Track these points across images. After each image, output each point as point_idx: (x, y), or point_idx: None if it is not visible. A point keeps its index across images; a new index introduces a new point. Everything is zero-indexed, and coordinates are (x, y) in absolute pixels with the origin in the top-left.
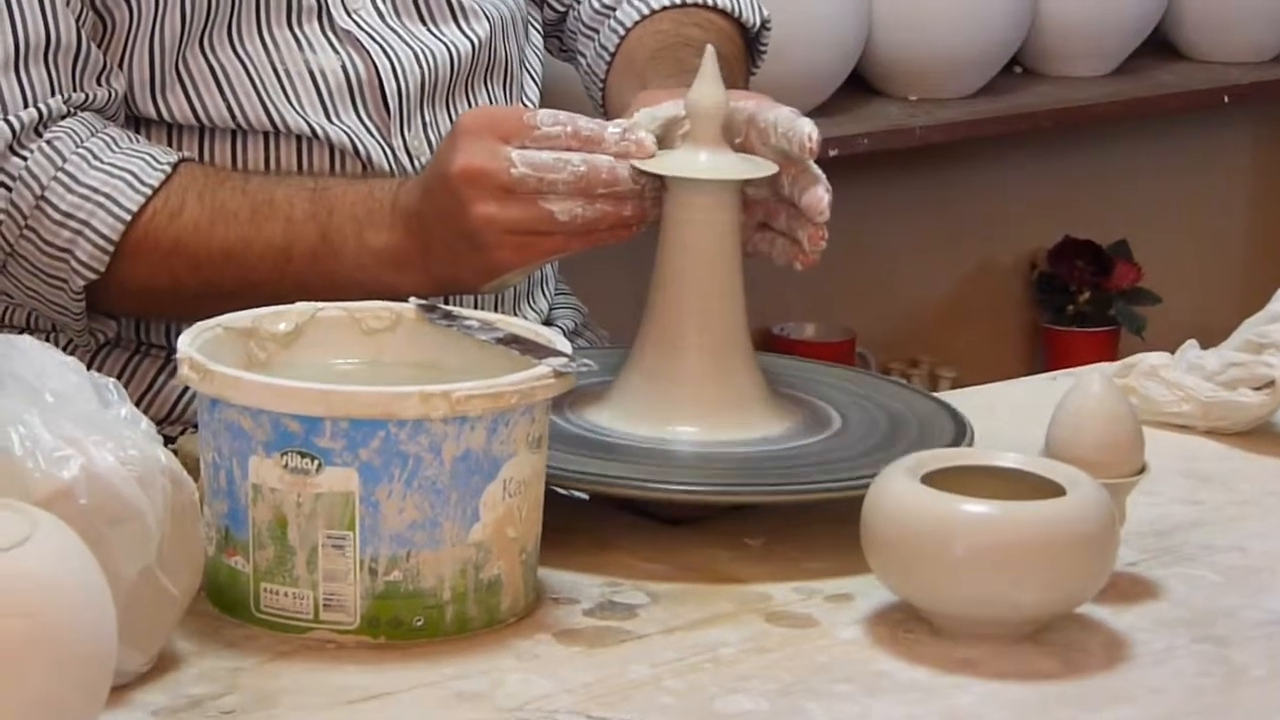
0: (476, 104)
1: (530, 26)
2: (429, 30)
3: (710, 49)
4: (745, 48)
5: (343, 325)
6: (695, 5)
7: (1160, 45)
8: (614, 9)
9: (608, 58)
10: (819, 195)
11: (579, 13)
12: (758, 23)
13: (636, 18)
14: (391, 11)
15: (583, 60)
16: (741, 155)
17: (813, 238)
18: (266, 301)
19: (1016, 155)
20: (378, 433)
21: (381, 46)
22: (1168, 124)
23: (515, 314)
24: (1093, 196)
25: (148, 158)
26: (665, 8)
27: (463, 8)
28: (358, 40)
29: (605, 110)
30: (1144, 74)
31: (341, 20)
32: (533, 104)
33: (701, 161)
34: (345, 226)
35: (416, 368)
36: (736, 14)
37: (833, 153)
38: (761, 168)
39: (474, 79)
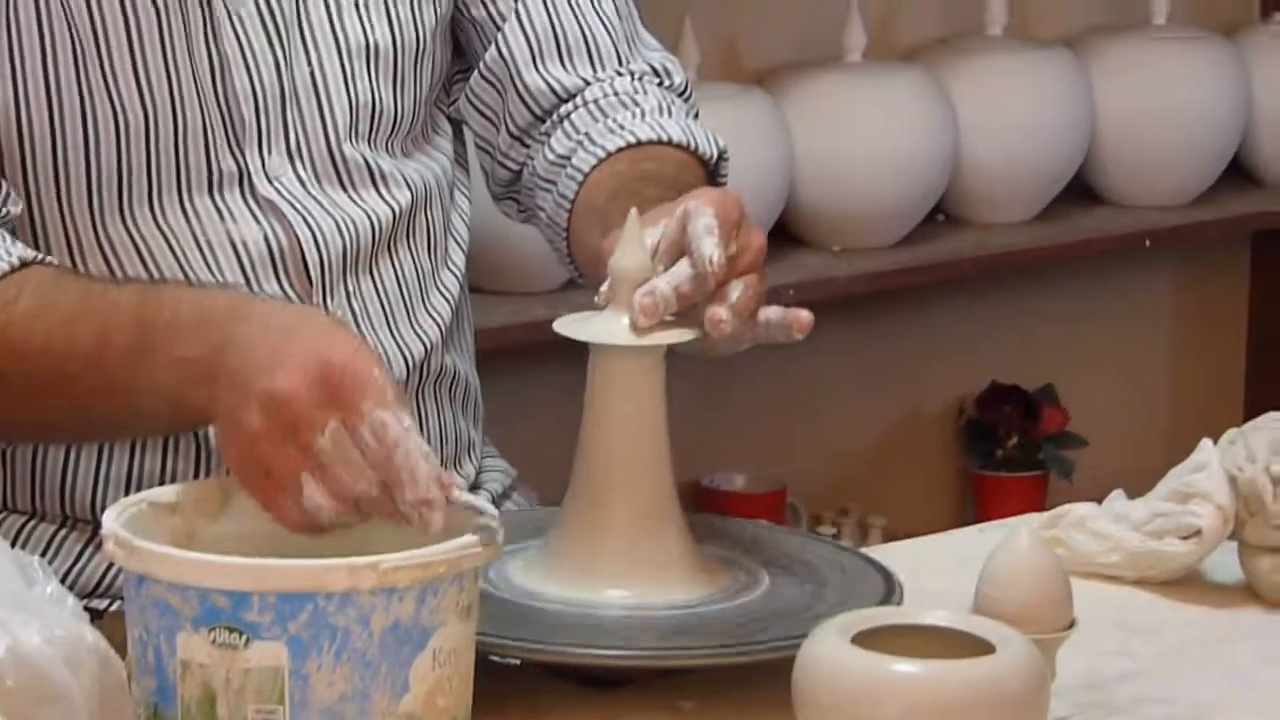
0: (401, 268)
1: (458, 191)
2: (350, 198)
3: (633, 212)
4: (706, 177)
5: None
6: (651, 143)
7: (1081, 190)
8: (569, 158)
9: (568, 206)
10: (719, 316)
11: (534, 167)
12: (714, 154)
13: (593, 162)
14: (312, 179)
15: (543, 214)
16: (664, 321)
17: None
18: (88, 400)
19: (942, 302)
20: (306, 606)
21: (303, 215)
22: (1091, 268)
23: None
24: (1018, 341)
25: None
26: (621, 149)
27: (383, 175)
28: (278, 209)
29: (573, 261)
30: (1066, 219)
31: (263, 189)
32: (458, 269)
33: (624, 327)
34: (163, 333)
35: (344, 528)
36: (693, 147)
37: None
38: (685, 332)
39: (395, 243)
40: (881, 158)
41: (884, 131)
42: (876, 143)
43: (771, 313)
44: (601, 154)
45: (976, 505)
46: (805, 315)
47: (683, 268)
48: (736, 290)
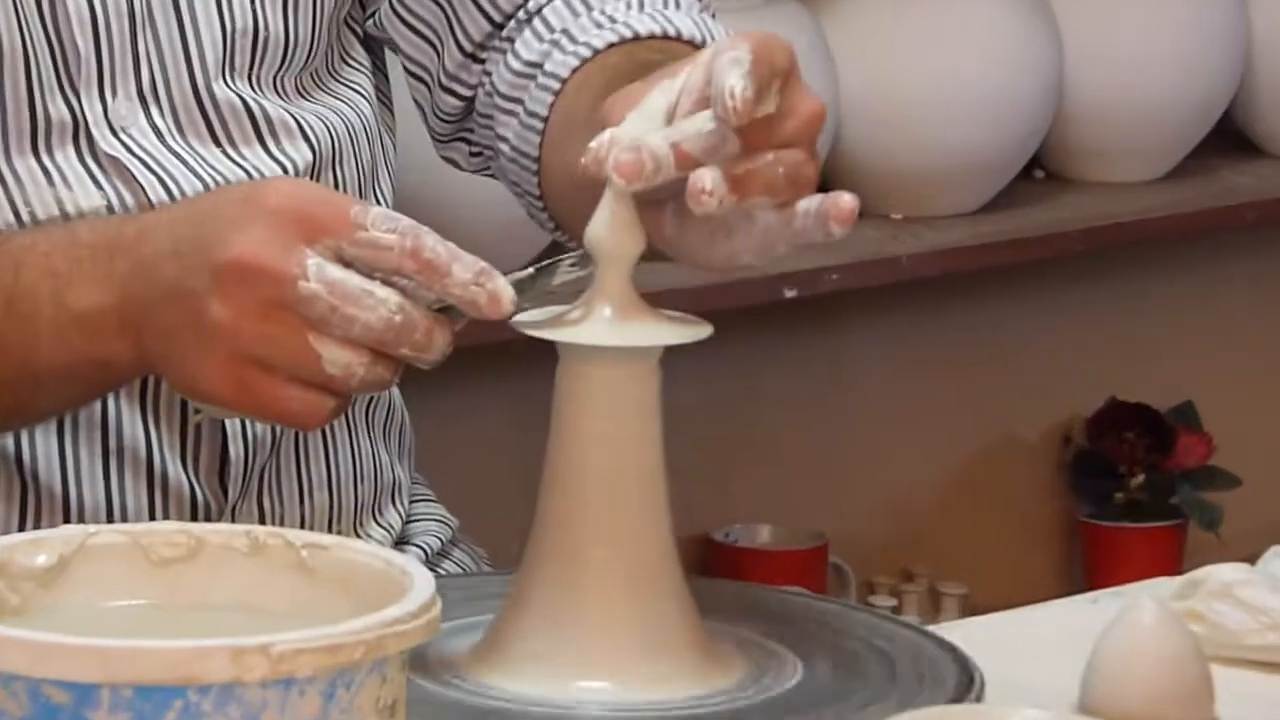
0: None
1: (382, 143)
2: (225, 155)
3: (618, 181)
4: None
5: (122, 555)
6: (654, 38)
7: (1230, 139)
8: (540, 64)
9: (539, 126)
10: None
11: (492, 85)
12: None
13: (574, 64)
14: (172, 130)
15: (504, 147)
16: (661, 313)
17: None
18: None
19: (1040, 291)
20: (174, 702)
21: (160, 178)
22: (1245, 243)
23: (354, 533)
24: (1145, 343)
25: None
26: (613, 44)
27: (271, 123)
28: (126, 170)
29: (546, 208)
30: (1209, 177)
31: (105, 143)
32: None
33: (606, 321)
34: (40, 285)
35: (226, 611)
36: (704, 43)
37: (790, 293)
38: (690, 330)
39: None
40: (957, 95)
41: (960, 60)
42: (950, 75)
43: (810, 203)
44: (586, 53)
45: (1086, 566)
46: (846, 200)
47: (695, 120)
48: (758, 161)
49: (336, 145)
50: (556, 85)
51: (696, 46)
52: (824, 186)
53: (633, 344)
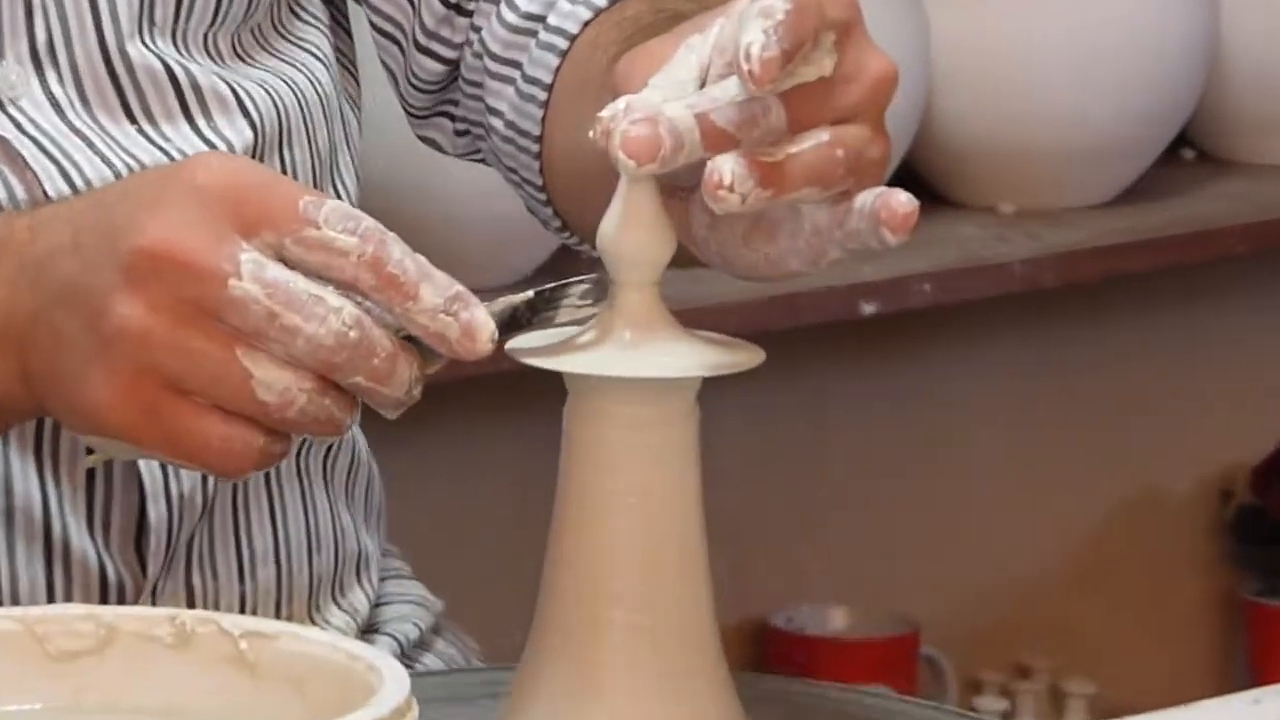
0: None
1: (344, 120)
2: (143, 134)
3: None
4: None
5: (13, 647)
6: None
7: None
8: (544, 17)
9: (543, 94)
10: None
11: (482, 44)
12: None
13: (586, 15)
14: (74, 102)
15: (498, 122)
16: (698, 335)
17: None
18: None
19: (1191, 305)
20: None
21: (58, 162)
22: None
23: (309, 619)
24: None
25: None
26: None
27: (199, 96)
28: (16, 153)
29: (549, 201)
30: None
31: None
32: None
33: (627, 346)
34: None
35: (145, 717)
36: None
37: (869, 308)
38: (735, 355)
39: None
40: (1083, 54)
41: (1088, 10)
42: (1074, 29)
43: (867, 198)
44: (600, 2)
45: (1249, 656)
46: (901, 202)
47: (728, 85)
48: (805, 143)
49: (284, 122)
50: (563, 43)
51: None
52: (908, 174)
53: (662, 375)
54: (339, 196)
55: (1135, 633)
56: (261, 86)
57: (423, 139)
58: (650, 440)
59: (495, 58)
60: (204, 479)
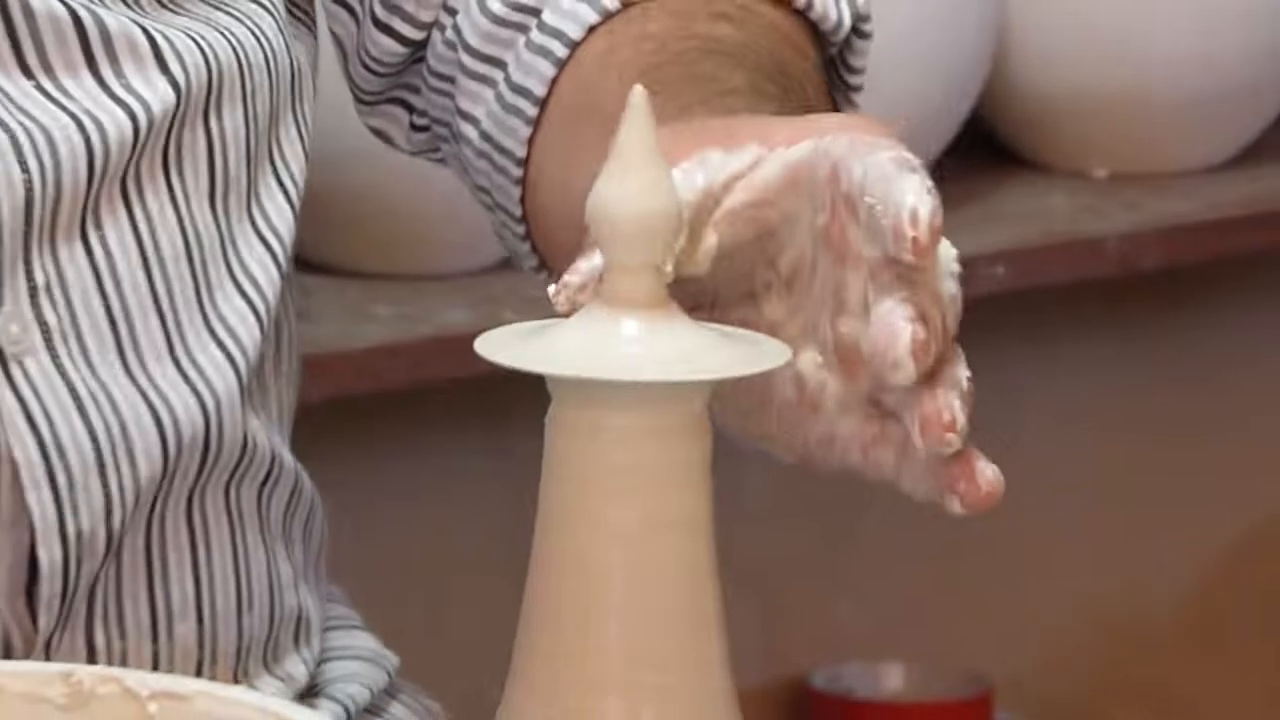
0: (153, 239)
1: (302, 75)
2: (41, 90)
3: (637, 90)
4: (825, 60)
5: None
6: None
7: None
8: (538, 9)
9: (530, 111)
10: (939, 407)
11: (457, 33)
12: (843, 21)
13: (594, 18)
14: None
15: (471, 131)
16: (710, 327)
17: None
18: None
19: None
20: None
21: None
22: None
23: (244, 680)
24: None
25: None
26: None
27: (109, 44)
28: None
29: (529, 236)
30: None
31: None
32: (278, 242)
33: (626, 342)
34: None
35: None
36: (803, 3)
37: None
38: (760, 352)
39: (140, 186)
40: None
41: None
42: None
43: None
44: (612, 4)
45: None
46: (989, 478)
47: None
48: (958, 368)
49: (216, 81)
50: (562, 50)
51: (805, 18)
52: (977, 132)
53: (669, 378)
54: (276, 172)
55: (1256, 698)
56: (190, 37)
57: (371, 129)
58: (654, 458)
59: (473, 52)
60: (108, 513)
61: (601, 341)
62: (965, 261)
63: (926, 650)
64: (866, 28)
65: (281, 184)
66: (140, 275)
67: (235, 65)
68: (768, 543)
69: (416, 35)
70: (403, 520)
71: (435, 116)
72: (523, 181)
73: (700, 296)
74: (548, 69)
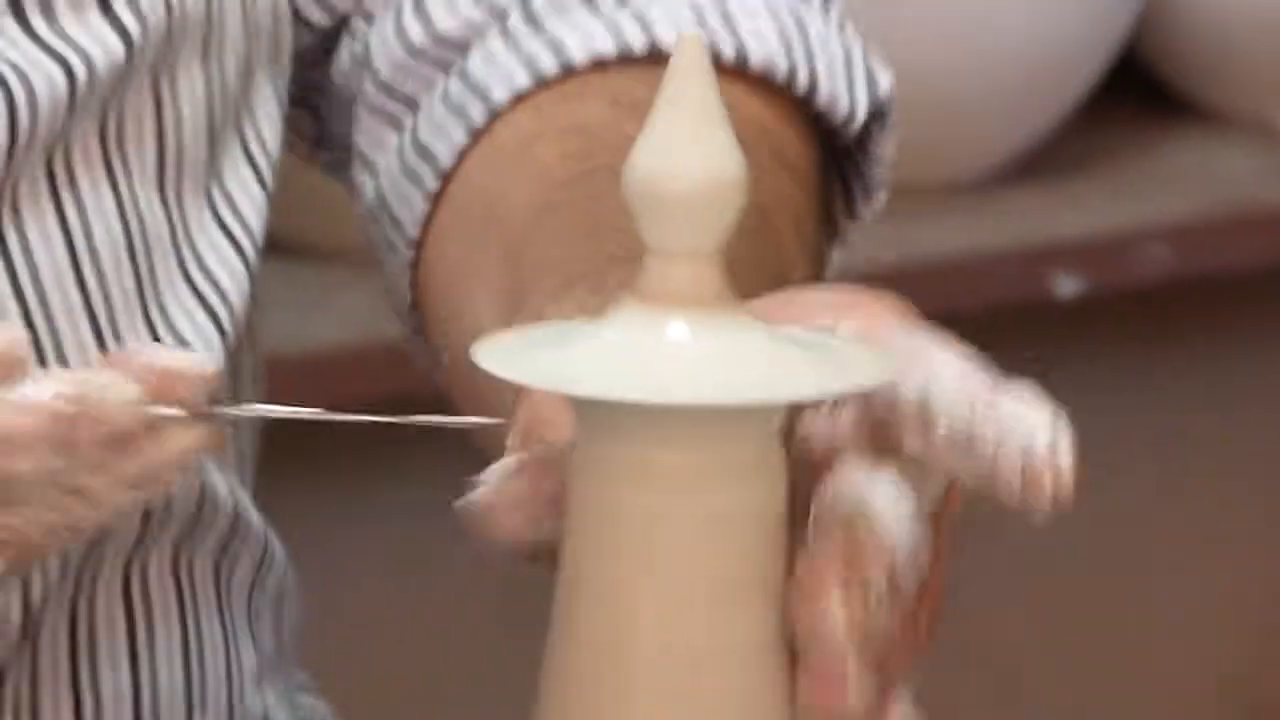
0: (85, 226)
1: (279, 60)
2: None
3: (688, 37)
4: (821, 156)
5: None
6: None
7: None
8: (464, 44)
9: (435, 180)
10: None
11: (369, 51)
12: (856, 114)
13: (525, 83)
14: None
15: (367, 186)
16: (779, 331)
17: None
18: None
19: None
20: None
21: None
22: None
23: None
24: None
25: None
26: (600, 62)
27: None
28: None
29: (423, 329)
30: None
31: None
32: (251, 239)
33: (673, 347)
34: None
35: None
36: (798, 85)
37: (1069, 285)
38: (845, 364)
39: (76, 159)
40: None
41: None
42: None
43: None
44: (551, 67)
45: None
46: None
47: None
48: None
49: (175, 31)
50: (480, 116)
51: (762, 82)
52: (1132, 71)
53: (738, 400)
54: (245, 146)
55: None
56: None
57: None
58: (714, 508)
59: (381, 85)
60: (24, 584)
61: (643, 351)
62: (1118, 241)
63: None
64: (890, 116)
65: (252, 161)
66: (69, 275)
67: (203, 13)
68: None
69: (327, 23)
70: (371, 591)
71: (338, 140)
72: (415, 265)
73: None
74: (460, 136)
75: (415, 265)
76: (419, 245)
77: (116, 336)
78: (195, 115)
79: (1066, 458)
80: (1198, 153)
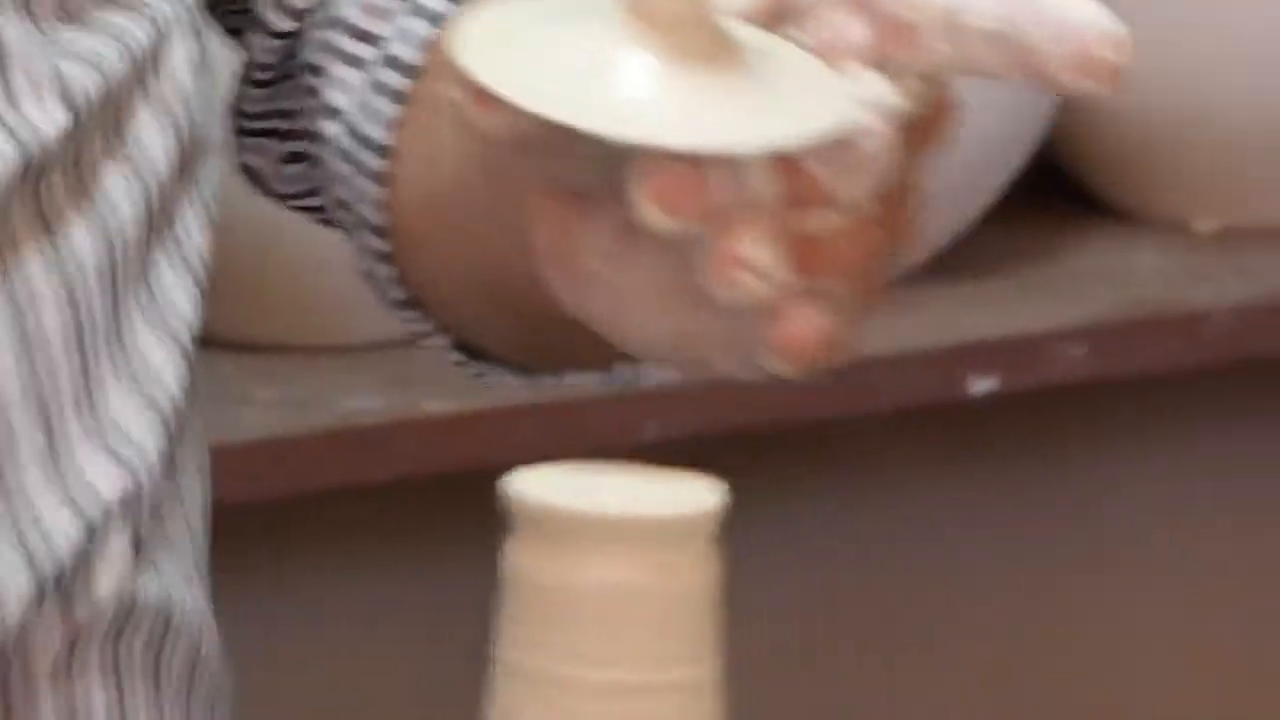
0: (25, 319)
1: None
2: None
3: None
4: None
5: None
6: None
7: None
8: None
9: (404, 79)
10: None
11: (340, 7)
12: None
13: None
14: None
15: (336, 128)
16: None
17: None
18: None
19: None
20: None
21: None
22: None
23: None
24: None
25: None
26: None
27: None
28: None
29: (393, 251)
30: None
31: None
32: (183, 319)
33: (632, 77)
34: None
35: None
36: None
37: (983, 384)
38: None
39: (17, 238)
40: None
41: None
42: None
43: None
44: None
45: None
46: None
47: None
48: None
49: (120, 85)
50: (442, 3)
51: None
52: (1047, 172)
53: (694, 145)
54: (176, 231)
55: None
56: (74, 55)
57: (242, 168)
58: (646, 589)
59: (348, 28)
60: None
61: (595, 76)
62: (1033, 341)
63: None
64: None
65: (181, 248)
66: (15, 365)
67: (138, 57)
68: (770, 674)
69: (290, 26)
70: (293, 685)
71: (307, 133)
72: (382, 178)
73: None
74: (421, 29)
75: (380, 177)
76: (388, 152)
77: (65, 435)
78: (130, 198)
79: (1122, 29)
80: (1113, 253)
